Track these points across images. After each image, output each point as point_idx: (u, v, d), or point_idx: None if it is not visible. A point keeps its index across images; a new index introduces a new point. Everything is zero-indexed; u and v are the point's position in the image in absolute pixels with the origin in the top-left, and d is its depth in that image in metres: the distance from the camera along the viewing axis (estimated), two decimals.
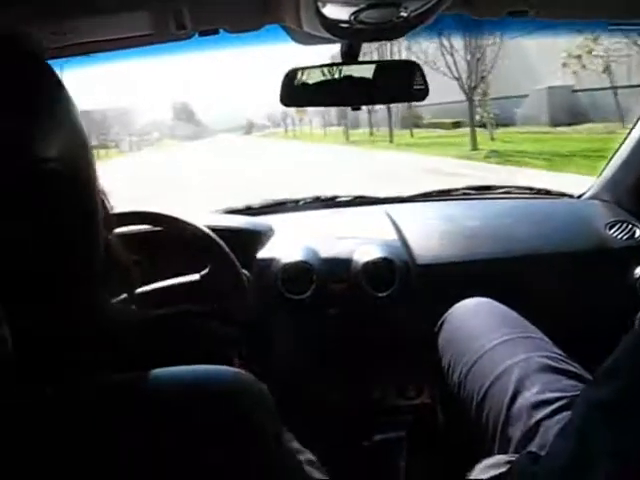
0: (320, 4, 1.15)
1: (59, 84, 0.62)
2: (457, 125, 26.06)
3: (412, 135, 26.17)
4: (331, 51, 1.48)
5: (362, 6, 1.15)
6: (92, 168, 0.65)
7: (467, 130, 20.63)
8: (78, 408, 0.61)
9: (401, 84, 1.54)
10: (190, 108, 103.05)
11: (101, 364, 0.73)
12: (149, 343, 1.49)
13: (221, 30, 1.34)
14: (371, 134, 30.13)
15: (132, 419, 0.61)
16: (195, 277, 1.53)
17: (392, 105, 20.86)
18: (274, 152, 29.30)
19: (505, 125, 22.57)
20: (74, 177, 0.61)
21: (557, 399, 1.17)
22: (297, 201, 2.31)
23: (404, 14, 1.21)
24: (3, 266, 0.53)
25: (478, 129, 19.75)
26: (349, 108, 1.66)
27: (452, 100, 23.15)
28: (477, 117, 20.93)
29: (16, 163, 0.55)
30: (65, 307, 0.62)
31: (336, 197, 2.33)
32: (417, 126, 27.68)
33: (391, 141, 24.71)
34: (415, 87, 1.54)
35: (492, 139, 20.27)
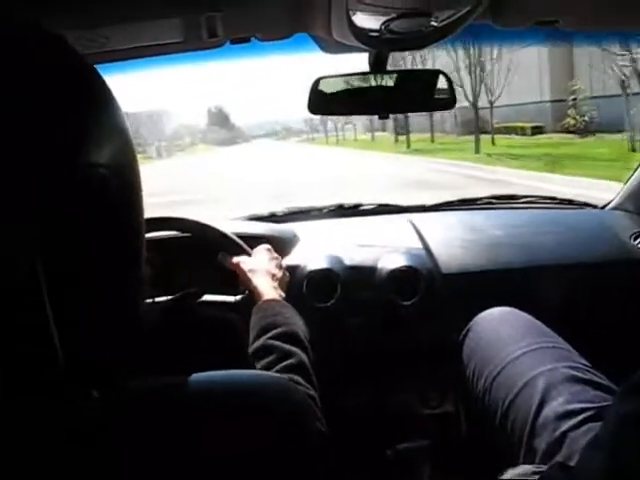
0: (351, 12, 1.16)
1: (107, 89, 0.63)
2: (538, 130, 23.27)
3: (494, 143, 22.01)
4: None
5: (393, 15, 1.16)
6: (138, 176, 0.66)
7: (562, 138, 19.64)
8: (125, 411, 0.62)
9: (426, 93, 1.55)
10: (225, 113, 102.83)
11: (136, 364, 0.74)
12: (168, 331, 1.50)
13: (252, 38, 1.36)
14: (432, 141, 27.28)
15: (176, 423, 0.62)
16: (236, 298, 1.53)
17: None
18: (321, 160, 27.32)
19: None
20: (121, 184, 0.61)
21: (583, 410, 1.17)
22: (321, 209, 2.31)
23: (434, 24, 1.22)
24: (50, 269, 0.54)
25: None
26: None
27: (528, 101, 22.54)
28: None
29: (65, 167, 0.55)
30: (109, 311, 0.63)
31: (359, 205, 2.33)
32: (484, 132, 23.35)
33: (477, 151, 20.29)
34: (440, 96, 1.55)
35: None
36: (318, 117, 44.59)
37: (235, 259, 1.49)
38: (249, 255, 1.55)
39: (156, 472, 0.60)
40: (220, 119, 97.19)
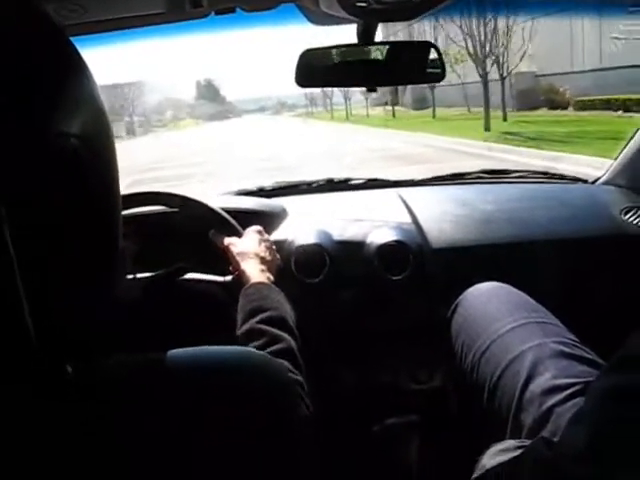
0: None
1: (79, 57, 0.61)
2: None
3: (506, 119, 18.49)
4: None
5: None
6: (112, 147, 0.64)
7: None
8: (100, 388, 0.61)
9: (417, 65, 1.53)
10: (215, 86, 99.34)
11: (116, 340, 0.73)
12: (154, 307, 1.50)
13: (237, 9, 1.33)
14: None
15: (155, 400, 0.61)
16: (225, 279, 1.52)
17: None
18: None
19: None
20: (93, 154, 0.60)
21: (570, 385, 1.17)
22: (310, 183, 2.29)
23: None
24: (19, 241, 0.53)
25: None
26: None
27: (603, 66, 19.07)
28: None
29: (34, 136, 0.54)
30: (86, 285, 0.62)
31: (349, 179, 2.32)
32: (556, 106, 20.14)
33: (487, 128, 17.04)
34: (430, 68, 1.54)
35: None
36: (319, 91, 43.55)
37: (225, 240, 1.47)
38: (238, 231, 1.54)
39: (131, 450, 0.59)
40: (210, 93, 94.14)
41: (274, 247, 1.52)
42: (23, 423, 0.57)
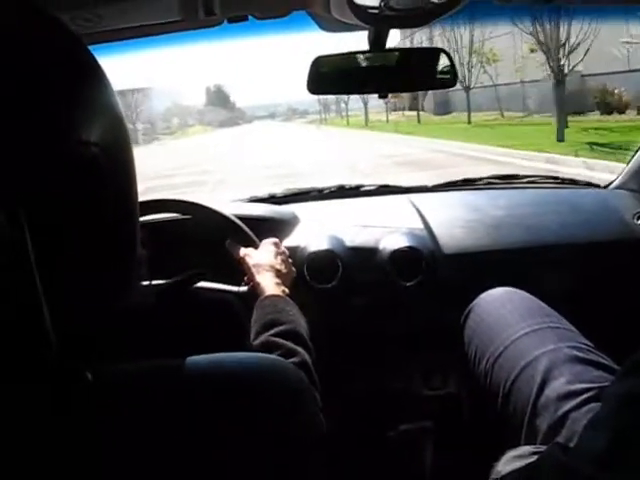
0: None
1: (98, 66, 0.62)
2: None
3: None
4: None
5: None
6: (130, 154, 0.65)
7: None
8: (120, 394, 0.62)
9: (428, 71, 1.54)
10: (225, 92, 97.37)
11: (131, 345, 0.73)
12: (168, 314, 1.50)
13: (250, 17, 1.34)
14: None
15: (173, 406, 0.62)
16: (240, 289, 1.53)
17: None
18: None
19: None
20: (114, 164, 0.60)
21: (585, 390, 1.16)
22: (321, 190, 2.30)
23: (434, 0, 1.20)
24: (40, 248, 0.53)
25: None
26: None
27: None
28: None
29: (55, 145, 0.55)
30: (105, 290, 0.63)
31: (360, 186, 2.32)
32: (611, 110, 17.70)
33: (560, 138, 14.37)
34: (441, 75, 1.54)
35: None
36: (332, 96, 41.04)
37: (241, 251, 1.48)
38: (251, 238, 1.54)
39: (149, 455, 0.59)
40: (219, 99, 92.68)
41: (290, 260, 1.53)
42: (44, 427, 0.57)
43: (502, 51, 20.70)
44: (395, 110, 35.89)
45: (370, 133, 27.96)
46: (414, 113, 30.53)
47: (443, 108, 29.34)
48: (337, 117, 51.33)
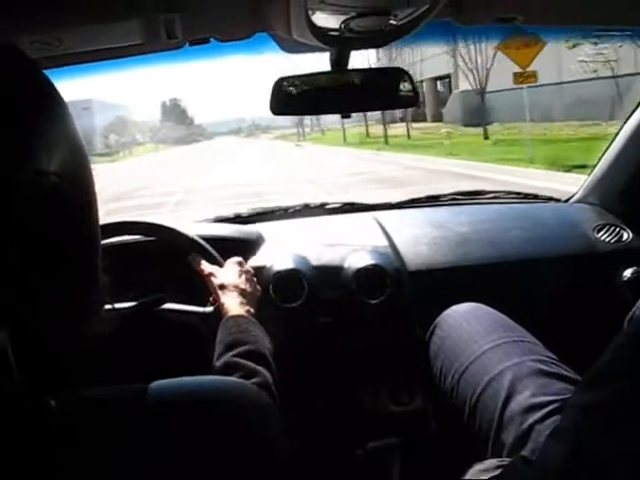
0: (310, 12, 1.16)
1: (56, 93, 0.61)
2: None
3: None
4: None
5: (352, 14, 1.16)
6: (91, 181, 0.64)
7: None
8: (84, 420, 0.61)
9: (389, 91, 1.55)
10: (182, 107, 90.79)
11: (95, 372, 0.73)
12: (132, 338, 1.49)
13: (212, 39, 1.35)
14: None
15: (137, 431, 0.61)
16: (205, 310, 1.52)
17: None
18: None
19: None
20: (73, 190, 0.60)
21: (549, 402, 1.18)
22: (286, 209, 2.30)
23: (394, 22, 1.22)
24: (2, 279, 0.53)
25: None
26: None
27: None
28: None
29: (14, 174, 0.54)
30: (67, 316, 0.62)
31: (325, 204, 2.33)
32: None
33: None
34: (403, 93, 1.56)
35: None
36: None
37: (206, 270, 1.48)
38: (216, 259, 1.54)
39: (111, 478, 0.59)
40: (176, 114, 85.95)
41: (255, 279, 1.53)
42: (6, 456, 0.56)
43: None
44: (394, 122, 29.28)
45: (357, 153, 23.21)
46: (422, 125, 26.31)
47: (474, 118, 21.77)
48: (316, 132, 45.33)
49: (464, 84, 22.86)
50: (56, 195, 0.57)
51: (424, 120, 28.79)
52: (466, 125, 22.99)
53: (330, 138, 35.57)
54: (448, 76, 27.81)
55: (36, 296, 0.57)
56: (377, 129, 29.00)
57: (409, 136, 24.62)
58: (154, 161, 36.56)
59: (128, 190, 16.97)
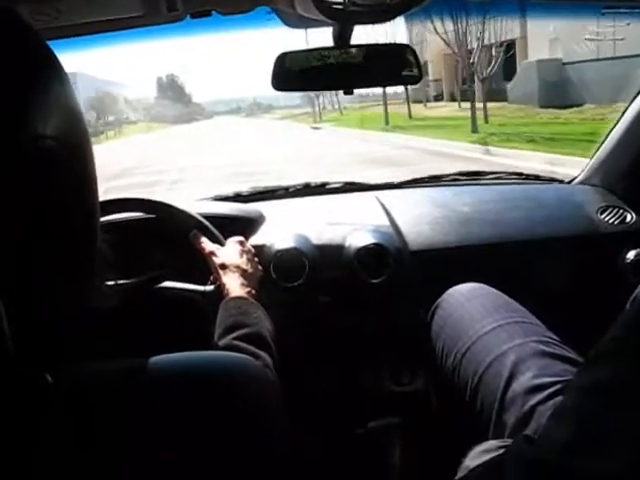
0: None
1: (54, 59, 0.61)
2: None
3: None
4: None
5: None
6: (90, 150, 0.64)
7: None
8: (79, 395, 0.60)
9: (393, 67, 1.54)
10: (179, 84, 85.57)
11: (95, 347, 0.72)
12: (133, 314, 1.49)
13: (213, 13, 1.33)
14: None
15: (134, 405, 0.61)
16: (206, 288, 1.52)
17: None
18: None
19: None
20: (72, 158, 0.59)
21: (552, 384, 1.17)
22: (287, 188, 2.29)
23: None
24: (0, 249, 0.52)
25: None
26: None
27: None
28: None
29: (13, 138, 0.54)
30: (64, 290, 0.61)
31: (326, 184, 2.32)
32: None
33: None
34: (407, 71, 1.54)
35: None
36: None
37: (207, 249, 1.47)
38: (217, 237, 1.53)
39: (114, 453, 0.58)
40: (173, 92, 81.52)
41: (256, 259, 1.52)
42: (3, 434, 0.55)
43: None
44: (438, 99, 25.96)
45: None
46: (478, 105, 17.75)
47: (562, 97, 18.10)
48: (333, 111, 38.46)
49: (536, 52, 19.73)
50: (53, 159, 0.56)
51: (466, 99, 20.46)
52: (544, 106, 18.51)
53: (352, 119, 29.14)
54: (511, 42, 19.57)
55: (35, 265, 0.56)
56: (405, 109, 24.28)
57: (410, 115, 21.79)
58: (145, 141, 33.78)
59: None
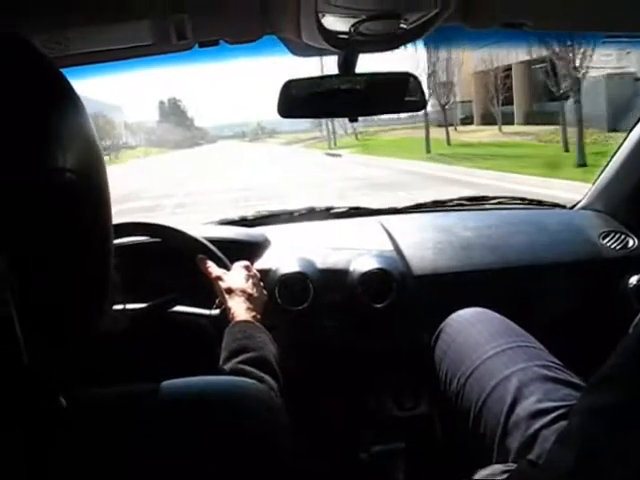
0: (320, 15, 1.16)
1: (72, 91, 0.62)
2: None
3: None
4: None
5: (363, 17, 1.16)
6: (105, 178, 0.65)
7: None
8: (93, 419, 0.61)
9: (396, 95, 1.55)
10: (182, 108, 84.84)
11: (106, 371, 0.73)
12: (141, 338, 1.49)
13: (221, 41, 1.35)
14: None
15: (143, 430, 0.61)
16: (212, 312, 1.52)
17: None
18: None
19: None
20: (88, 187, 0.60)
21: (555, 408, 1.18)
22: (292, 212, 2.30)
23: (404, 26, 1.22)
24: (15, 273, 0.53)
25: None
26: None
27: None
28: None
29: (30, 172, 0.54)
30: (77, 315, 0.62)
31: (331, 208, 2.33)
32: None
33: None
34: (410, 98, 1.56)
35: None
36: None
37: (214, 273, 1.48)
38: (222, 261, 1.54)
39: (123, 477, 0.59)
40: (175, 116, 79.72)
41: (261, 283, 1.53)
42: (18, 455, 0.56)
43: None
44: (466, 122, 24.00)
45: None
46: (518, 129, 18.04)
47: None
48: (345, 135, 34.35)
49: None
50: (73, 192, 0.57)
51: (510, 123, 20.11)
52: (612, 130, 15.72)
53: (374, 145, 26.43)
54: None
55: (48, 293, 0.57)
56: (441, 133, 22.07)
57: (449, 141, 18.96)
58: (142, 166, 32.82)
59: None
